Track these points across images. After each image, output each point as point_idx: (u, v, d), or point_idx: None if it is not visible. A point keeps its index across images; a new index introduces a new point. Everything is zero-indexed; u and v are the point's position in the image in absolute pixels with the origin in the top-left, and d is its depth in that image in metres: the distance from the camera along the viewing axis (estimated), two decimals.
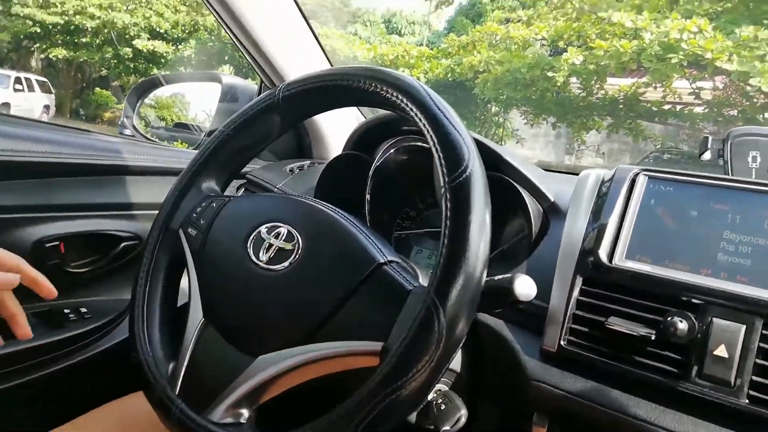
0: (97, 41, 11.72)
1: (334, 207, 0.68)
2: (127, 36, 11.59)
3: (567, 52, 6.75)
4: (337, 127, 1.33)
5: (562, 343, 0.69)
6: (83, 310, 0.97)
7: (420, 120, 0.59)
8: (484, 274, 0.54)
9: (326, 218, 0.66)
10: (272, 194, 1.07)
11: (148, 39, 11.55)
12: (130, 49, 11.59)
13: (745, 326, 0.60)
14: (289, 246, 0.64)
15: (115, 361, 0.97)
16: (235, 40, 1.15)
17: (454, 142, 0.56)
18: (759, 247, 0.64)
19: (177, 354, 0.66)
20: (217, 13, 1.08)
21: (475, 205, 0.53)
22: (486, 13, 10.24)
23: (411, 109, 0.60)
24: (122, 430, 0.79)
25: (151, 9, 11.64)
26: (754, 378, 0.59)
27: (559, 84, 6.99)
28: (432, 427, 0.72)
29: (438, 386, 0.75)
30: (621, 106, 7.36)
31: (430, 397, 0.74)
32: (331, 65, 1.29)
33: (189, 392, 0.63)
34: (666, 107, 7.26)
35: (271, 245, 0.65)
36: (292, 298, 0.61)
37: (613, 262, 0.69)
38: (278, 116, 0.74)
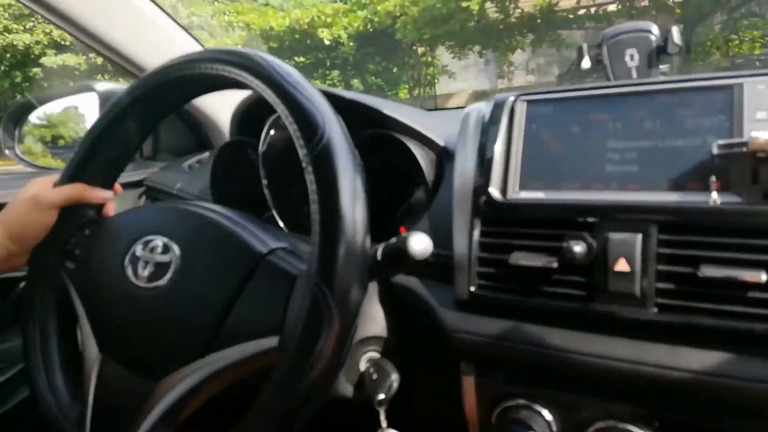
0: (2, 68, 10.99)
1: (211, 206, 0.65)
2: (32, 56, 10.89)
3: None
4: (229, 109, 1.25)
5: (472, 289, 0.67)
6: None
7: (268, 95, 0.55)
8: (368, 240, 0.51)
9: (200, 221, 0.62)
10: (145, 206, 1.02)
11: (56, 54, 10.86)
12: (40, 69, 10.90)
13: (641, 235, 0.58)
14: (165, 258, 0.60)
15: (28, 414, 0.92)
16: (89, 42, 1.05)
17: (306, 111, 0.53)
18: (643, 151, 0.62)
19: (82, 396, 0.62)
20: (54, 19, 0.98)
21: (341, 171, 0.50)
22: None
23: (257, 86, 0.56)
24: None
25: (50, 24, 10.86)
26: (659, 285, 0.57)
27: (475, 12, 6.93)
28: (368, 398, 0.71)
29: (369, 355, 0.73)
30: (539, 20, 7.37)
31: (362, 368, 0.72)
32: (199, 43, 1.20)
33: None
34: (581, 12, 7.30)
35: (147, 261, 0.61)
36: (179, 311, 0.58)
37: (507, 196, 0.67)
38: (132, 122, 0.69)
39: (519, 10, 7.38)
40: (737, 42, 5.65)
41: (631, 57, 0.75)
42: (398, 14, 7.87)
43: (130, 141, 0.71)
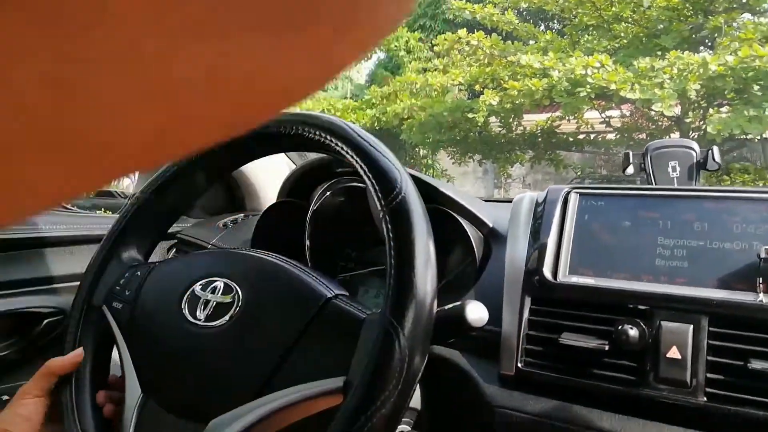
0: None
1: (270, 254, 0.67)
2: None
3: (484, 94, 7.03)
4: (269, 177, 1.31)
5: (519, 365, 0.68)
6: (5, 398, 0.88)
7: (347, 153, 0.59)
8: (435, 297, 0.53)
9: (265, 264, 0.64)
10: (203, 251, 1.04)
11: None
12: None
13: (692, 326, 0.62)
14: (227, 299, 0.61)
15: None
16: None
17: (384, 167, 0.56)
18: (692, 249, 0.67)
19: None
20: None
21: (416, 223, 0.53)
22: (404, 64, 10.58)
23: (336, 145, 0.60)
24: None
25: None
26: (709, 376, 0.60)
27: (480, 124, 7.25)
28: None
29: (400, 427, 0.72)
30: (539, 139, 7.72)
31: None
32: None
33: None
34: (581, 137, 7.69)
35: (207, 301, 0.62)
36: (238, 351, 0.59)
37: (557, 279, 0.70)
38: (199, 173, 0.73)
39: (522, 128, 7.74)
40: (729, 182, 5.95)
41: (673, 168, 0.81)
42: (406, 117, 8.21)
43: (192, 192, 0.75)
